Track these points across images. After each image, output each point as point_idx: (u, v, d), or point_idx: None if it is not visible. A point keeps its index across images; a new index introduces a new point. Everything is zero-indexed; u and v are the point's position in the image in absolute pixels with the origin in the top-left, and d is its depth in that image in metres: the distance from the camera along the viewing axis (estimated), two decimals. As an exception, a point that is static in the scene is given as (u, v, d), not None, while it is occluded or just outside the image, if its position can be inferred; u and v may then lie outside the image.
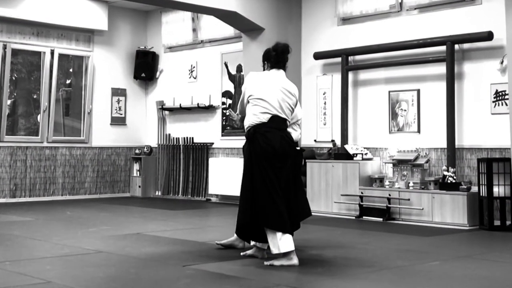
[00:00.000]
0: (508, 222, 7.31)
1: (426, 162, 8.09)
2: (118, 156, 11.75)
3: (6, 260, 5.08)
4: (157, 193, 11.74)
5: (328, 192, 8.72)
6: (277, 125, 5.06)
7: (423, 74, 8.45)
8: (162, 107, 11.68)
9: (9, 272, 4.62)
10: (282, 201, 4.96)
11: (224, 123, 10.74)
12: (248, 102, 5.16)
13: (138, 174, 11.71)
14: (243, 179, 5.14)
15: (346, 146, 8.79)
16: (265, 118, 5.04)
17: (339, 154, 8.80)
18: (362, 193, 8.32)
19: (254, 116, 5.07)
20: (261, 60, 5.37)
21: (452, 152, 7.90)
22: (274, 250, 4.91)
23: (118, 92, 11.80)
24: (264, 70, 5.33)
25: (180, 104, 11.30)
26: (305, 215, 5.30)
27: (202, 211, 9.43)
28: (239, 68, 10.46)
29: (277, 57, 5.24)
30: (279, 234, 4.88)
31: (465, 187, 7.50)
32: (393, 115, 8.69)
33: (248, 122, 5.12)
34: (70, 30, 11.11)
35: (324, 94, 9.51)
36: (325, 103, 9.49)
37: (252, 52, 9.14)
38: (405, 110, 8.58)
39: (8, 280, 4.35)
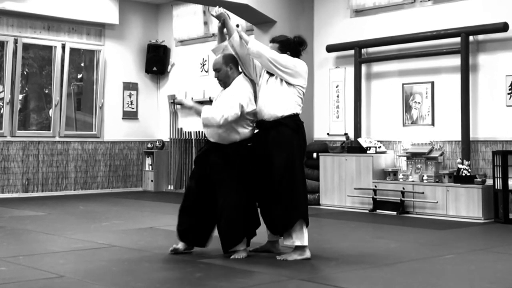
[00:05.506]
0: (524, 215, 7.24)
1: (441, 155, 8.02)
2: (130, 150, 11.75)
3: (19, 254, 5.07)
4: (169, 187, 11.73)
5: (341, 186, 8.67)
6: None
7: (437, 66, 8.36)
8: (174, 101, 11.66)
9: (23, 266, 4.61)
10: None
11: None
12: (293, 85, 5.00)
13: (151, 168, 11.70)
14: (291, 171, 4.87)
15: (359, 139, 8.73)
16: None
17: (353, 147, 8.74)
18: (375, 186, 8.26)
19: (298, 106, 5.03)
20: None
21: (467, 145, 7.82)
22: (297, 242, 4.87)
23: (130, 86, 11.79)
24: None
25: (192, 98, 11.27)
26: None
27: (215, 205, 9.40)
28: (251, 61, 10.39)
29: (302, 51, 5.26)
30: (304, 227, 4.89)
31: (479, 180, 7.42)
32: (407, 107, 8.62)
33: (291, 109, 4.96)
34: (81, 24, 11.10)
35: (337, 87, 9.44)
36: (338, 96, 9.43)
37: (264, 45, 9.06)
38: (419, 103, 8.50)
39: (21, 274, 4.34)
